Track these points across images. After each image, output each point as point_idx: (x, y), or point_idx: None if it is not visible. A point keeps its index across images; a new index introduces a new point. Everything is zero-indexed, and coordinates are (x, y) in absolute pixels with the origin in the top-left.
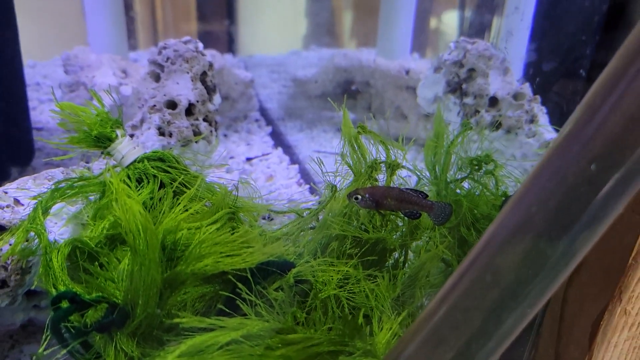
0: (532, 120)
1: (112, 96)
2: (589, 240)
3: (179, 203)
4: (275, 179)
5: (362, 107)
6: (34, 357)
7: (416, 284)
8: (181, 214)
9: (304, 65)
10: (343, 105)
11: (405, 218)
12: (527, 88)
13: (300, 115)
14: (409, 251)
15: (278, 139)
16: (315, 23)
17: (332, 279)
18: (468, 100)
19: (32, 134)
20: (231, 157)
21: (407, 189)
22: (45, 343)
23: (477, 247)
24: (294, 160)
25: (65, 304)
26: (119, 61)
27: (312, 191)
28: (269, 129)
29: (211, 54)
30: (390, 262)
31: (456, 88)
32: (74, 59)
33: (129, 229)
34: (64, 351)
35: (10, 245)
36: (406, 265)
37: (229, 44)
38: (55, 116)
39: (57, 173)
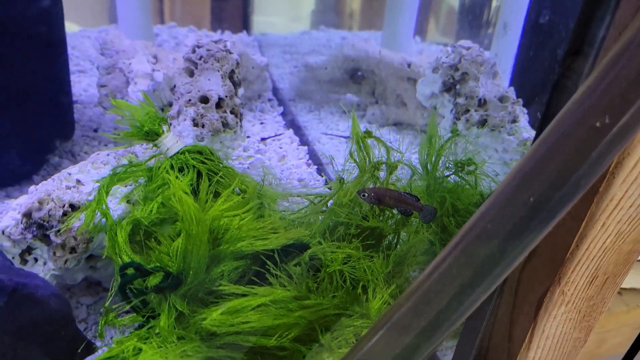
0: (514, 120)
1: (153, 103)
2: (527, 249)
3: (221, 195)
4: (286, 159)
5: (366, 92)
6: (103, 310)
7: (405, 262)
8: (223, 204)
9: (313, 45)
10: (353, 111)
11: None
12: (511, 92)
13: (309, 97)
14: (402, 232)
15: (289, 119)
16: (324, 4)
17: (338, 257)
18: (460, 100)
19: (73, 108)
20: (248, 137)
21: (404, 192)
22: (110, 299)
23: (447, 248)
24: (303, 141)
25: (130, 271)
26: (150, 47)
27: (320, 172)
28: (281, 109)
29: (231, 42)
30: (385, 243)
31: (451, 88)
32: (110, 44)
33: (185, 218)
34: (128, 306)
35: (79, 220)
36: (397, 246)
37: (243, 20)
38: (87, 90)
39: (111, 159)
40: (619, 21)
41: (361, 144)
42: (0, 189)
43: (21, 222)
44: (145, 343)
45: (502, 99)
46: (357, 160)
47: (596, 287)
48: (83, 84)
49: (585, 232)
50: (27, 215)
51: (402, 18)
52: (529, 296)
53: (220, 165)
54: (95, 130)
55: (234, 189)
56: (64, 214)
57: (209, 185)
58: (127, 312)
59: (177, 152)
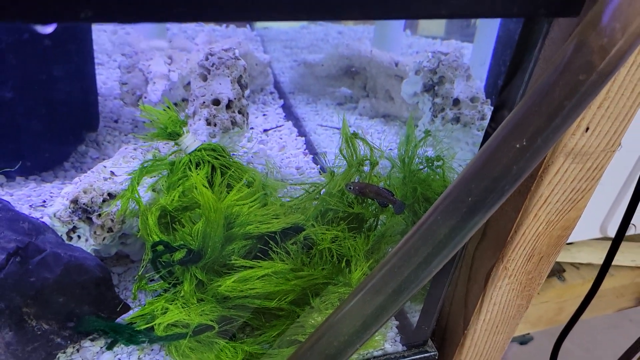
0: (482, 118)
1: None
2: (468, 236)
3: (232, 187)
4: (286, 149)
5: (358, 85)
6: (136, 277)
7: (382, 241)
8: (235, 195)
9: (312, 40)
10: (344, 116)
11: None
12: (481, 93)
13: (307, 90)
14: (380, 216)
15: (289, 111)
16: None
17: (327, 238)
18: (437, 100)
19: (98, 100)
20: (251, 128)
21: (382, 187)
22: (142, 269)
23: (409, 234)
24: (301, 132)
25: (160, 248)
26: (166, 49)
27: (315, 161)
28: (282, 101)
29: (237, 42)
30: (366, 226)
31: (430, 89)
32: (130, 46)
33: (205, 206)
34: (157, 275)
35: (116, 206)
36: (377, 228)
37: None
38: (106, 83)
39: (138, 153)
40: (543, 59)
41: (349, 143)
42: (36, 174)
43: (69, 207)
44: (171, 304)
45: (472, 99)
46: (346, 156)
47: (533, 263)
48: (102, 77)
49: (521, 220)
50: (74, 201)
51: None
52: (480, 270)
53: (231, 160)
54: (116, 121)
55: (242, 180)
56: (103, 200)
57: (222, 179)
58: (152, 280)
59: (195, 150)
